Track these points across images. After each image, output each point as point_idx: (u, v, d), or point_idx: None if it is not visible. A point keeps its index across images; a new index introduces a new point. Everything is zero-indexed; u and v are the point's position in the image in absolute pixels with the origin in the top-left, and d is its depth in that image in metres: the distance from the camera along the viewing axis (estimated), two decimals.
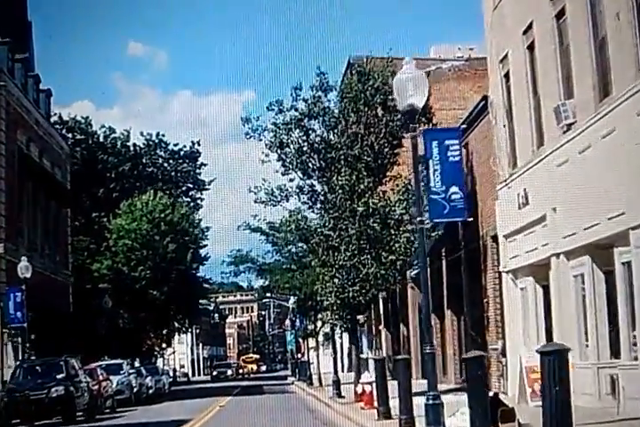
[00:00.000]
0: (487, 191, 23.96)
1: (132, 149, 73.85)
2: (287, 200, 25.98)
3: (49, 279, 44.69)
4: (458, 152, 22.65)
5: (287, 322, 77.31)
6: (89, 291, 52.45)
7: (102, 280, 54.86)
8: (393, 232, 24.50)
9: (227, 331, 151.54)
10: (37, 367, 28.13)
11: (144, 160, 74.11)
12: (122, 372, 36.67)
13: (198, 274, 65.69)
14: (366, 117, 24.85)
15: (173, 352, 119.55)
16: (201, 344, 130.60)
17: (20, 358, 34.06)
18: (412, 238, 24.55)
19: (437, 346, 33.05)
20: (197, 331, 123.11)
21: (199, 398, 39.31)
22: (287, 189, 25.73)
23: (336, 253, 24.89)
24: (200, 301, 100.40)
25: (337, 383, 30.60)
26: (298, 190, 25.77)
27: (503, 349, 23.40)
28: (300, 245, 40.70)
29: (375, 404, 20.18)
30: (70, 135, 74.29)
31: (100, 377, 31.77)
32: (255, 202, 27.29)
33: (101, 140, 74.15)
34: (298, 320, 62.27)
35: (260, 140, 26.57)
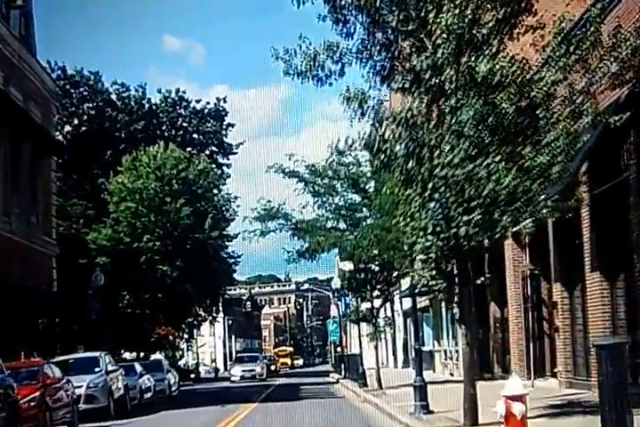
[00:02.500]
0: None
1: (146, 105, 63.39)
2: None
3: (19, 247, 33.72)
4: None
5: (332, 308, 65.55)
6: (83, 267, 41.29)
7: (101, 253, 43.81)
8: (543, 115, 12.92)
9: (262, 322, 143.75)
10: None
11: (161, 119, 63.44)
12: (97, 370, 25.46)
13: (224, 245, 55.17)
14: None
15: (202, 345, 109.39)
16: (234, 336, 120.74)
17: None
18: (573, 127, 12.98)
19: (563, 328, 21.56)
20: (230, 322, 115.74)
21: (211, 406, 28.09)
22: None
23: (434, 157, 13.28)
24: (229, 287, 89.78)
25: (420, 391, 19.05)
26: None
27: None
28: (349, 196, 29.45)
29: None
30: (75, 91, 64.62)
31: (49, 378, 20.53)
32: None
33: (113, 97, 63.99)
34: (343, 304, 50.80)
35: None
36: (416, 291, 19.88)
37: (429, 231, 13.59)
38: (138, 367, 31.09)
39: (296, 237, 30.44)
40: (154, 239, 43.00)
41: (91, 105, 63.92)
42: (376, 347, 30.80)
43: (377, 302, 31.52)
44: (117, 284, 41.98)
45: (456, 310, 18.98)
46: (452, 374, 35.44)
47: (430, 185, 13.41)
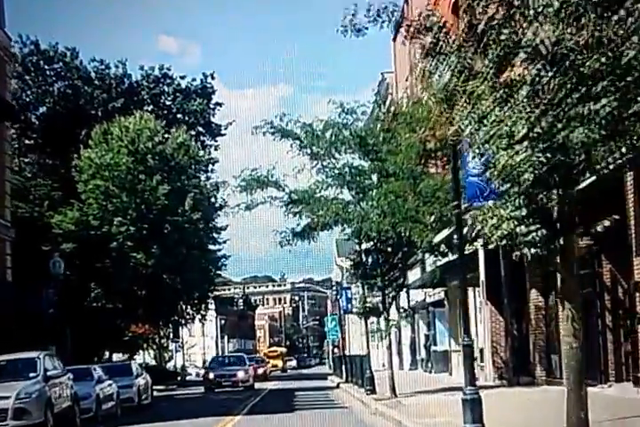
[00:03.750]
0: None
1: (126, 82, 57.61)
2: None
3: None
4: None
5: (330, 304, 59.76)
6: (45, 254, 35.43)
7: (67, 239, 37.99)
8: None
9: (257, 323, 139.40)
10: None
11: (141, 96, 57.62)
12: (32, 375, 19.62)
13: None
14: None
15: (193, 346, 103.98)
16: (226, 337, 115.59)
17: None
18: None
19: None
20: (223, 322, 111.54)
21: (184, 419, 22.35)
22: None
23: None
24: (222, 286, 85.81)
25: (473, 408, 13.28)
26: None
27: None
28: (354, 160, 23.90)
29: None
30: (49, 68, 58.97)
31: None
32: None
33: (91, 75, 58.32)
34: (344, 298, 45.09)
35: None
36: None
37: (522, 134, 7.74)
38: (96, 372, 25.27)
39: (290, 213, 24.65)
40: (126, 223, 37.18)
41: (67, 83, 58.26)
42: (389, 346, 25.01)
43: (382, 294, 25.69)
44: (84, 274, 36.18)
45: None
46: (477, 378, 29.65)
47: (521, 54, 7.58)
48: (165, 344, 72.47)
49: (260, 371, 52.16)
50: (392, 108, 24.38)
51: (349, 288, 46.92)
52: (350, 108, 24.21)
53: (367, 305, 25.29)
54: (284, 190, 24.31)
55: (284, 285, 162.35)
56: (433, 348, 41.03)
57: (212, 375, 40.37)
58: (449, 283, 35.47)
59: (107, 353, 44.25)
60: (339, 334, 59.43)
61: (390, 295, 24.17)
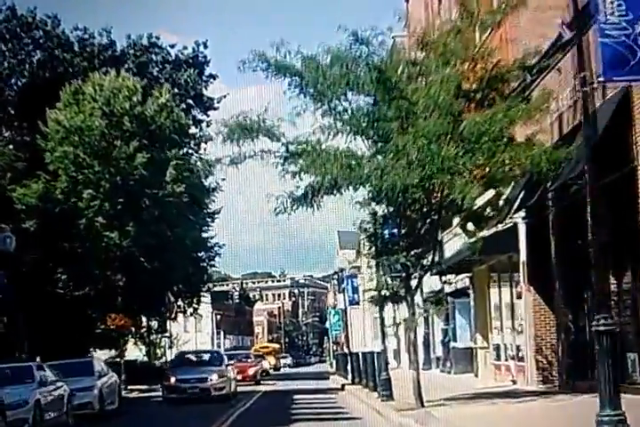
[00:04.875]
0: None
1: (109, 51, 52.21)
2: None
3: None
4: None
5: (330, 297, 54.34)
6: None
7: (30, 215, 32.60)
8: None
9: (255, 319, 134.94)
10: None
11: (127, 65, 52.21)
12: None
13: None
14: None
15: (186, 342, 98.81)
16: (223, 333, 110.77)
17: None
18: None
19: None
20: (219, 317, 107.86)
21: None
22: None
23: None
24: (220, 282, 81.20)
25: None
26: None
27: None
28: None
29: None
30: (26, 35, 53.66)
31: None
32: None
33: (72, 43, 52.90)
34: (350, 287, 39.65)
35: None
36: None
37: None
38: (39, 372, 19.80)
39: (288, 174, 19.19)
40: (98, 196, 31.75)
41: (46, 53, 52.91)
42: (414, 341, 19.47)
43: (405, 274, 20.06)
44: (49, 255, 30.78)
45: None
46: (514, 382, 24.28)
47: None
48: (158, 340, 67.48)
49: (251, 371, 43.05)
50: (418, 36, 18.90)
51: (355, 276, 41.62)
52: (365, 37, 18.76)
53: (385, 290, 19.76)
54: (278, 141, 18.88)
55: (284, 280, 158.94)
56: (452, 344, 35.60)
57: (173, 380, 28.59)
58: (475, 267, 30.07)
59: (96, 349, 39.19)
60: (342, 329, 54.03)
61: (416, 277, 18.74)
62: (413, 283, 19.23)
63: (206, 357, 32.98)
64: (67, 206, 31.68)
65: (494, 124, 16.20)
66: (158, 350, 70.43)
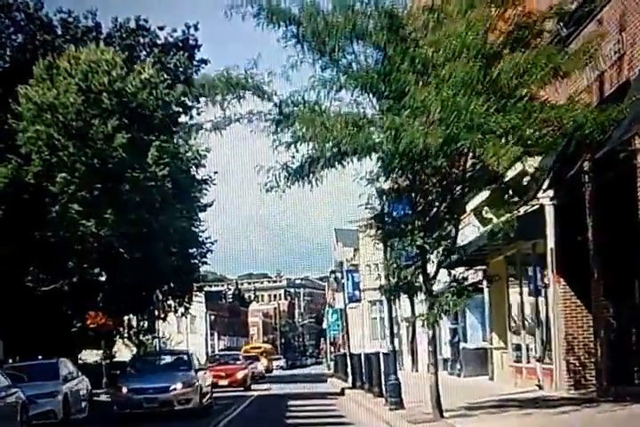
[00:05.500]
0: None
1: (94, 32, 49.15)
2: None
3: None
4: None
5: (329, 296, 51.35)
6: None
7: None
8: None
9: (250, 319, 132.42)
10: None
11: (113, 49, 49.10)
12: None
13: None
14: None
15: (179, 343, 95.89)
16: (216, 334, 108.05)
17: None
18: None
19: None
20: (212, 317, 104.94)
21: None
22: None
23: None
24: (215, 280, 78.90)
25: None
26: None
27: None
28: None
29: None
30: (6, 17, 50.56)
31: None
32: None
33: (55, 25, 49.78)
34: (350, 283, 36.63)
35: None
36: None
37: None
38: None
39: (283, 143, 16.11)
40: (74, 181, 28.66)
41: (27, 36, 49.79)
42: (432, 340, 16.40)
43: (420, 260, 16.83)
44: (18, 247, 27.71)
45: None
46: (540, 387, 21.20)
47: None
48: (149, 341, 64.48)
49: (240, 375, 37.53)
50: None
51: (356, 271, 38.58)
52: None
53: (394, 279, 16.59)
54: (270, 100, 15.83)
55: (280, 281, 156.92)
56: (463, 345, 32.57)
57: (124, 390, 22.28)
58: (491, 259, 27.03)
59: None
60: (340, 329, 50.97)
61: (434, 262, 15.69)
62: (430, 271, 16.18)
63: (170, 359, 25.86)
64: (38, 192, 28.54)
65: (535, 71, 13.15)
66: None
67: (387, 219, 16.51)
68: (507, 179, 15.33)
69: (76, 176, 28.82)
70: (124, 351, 57.84)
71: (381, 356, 21.39)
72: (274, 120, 16.00)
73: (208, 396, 24.26)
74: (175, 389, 21.99)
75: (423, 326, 15.89)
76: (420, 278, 15.83)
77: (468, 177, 15.18)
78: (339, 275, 46.55)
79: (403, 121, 13.67)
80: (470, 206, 17.87)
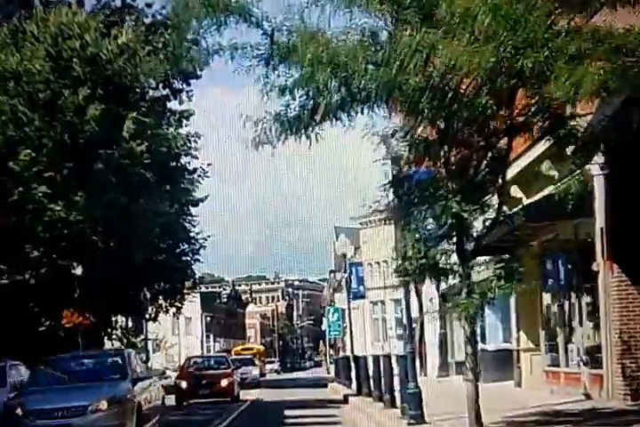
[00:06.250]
0: None
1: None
2: None
3: None
4: None
5: (326, 295, 47.82)
6: None
7: None
8: None
9: (247, 321, 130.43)
10: None
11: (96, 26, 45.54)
12: None
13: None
14: None
15: (172, 345, 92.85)
16: (212, 336, 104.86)
17: None
18: None
19: None
20: (209, 319, 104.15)
21: None
22: None
23: None
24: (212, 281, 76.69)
25: None
26: None
27: None
28: None
29: None
30: None
31: None
32: None
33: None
34: (355, 278, 32.97)
35: None
36: None
37: None
38: None
39: (275, 87, 12.53)
40: (40, 158, 25.07)
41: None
42: (471, 336, 12.65)
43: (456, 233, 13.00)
44: None
45: None
46: (587, 396, 17.54)
47: None
48: (141, 343, 61.08)
49: (224, 383, 30.74)
50: None
51: (360, 264, 34.94)
52: None
53: (416, 261, 12.90)
54: (259, 26, 12.22)
55: (278, 283, 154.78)
56: (481, 346, 28.88)
57: (20, 413, 14.90)
58: (520, 247, 23.34)
59: None
60: (341, 330, 47.40)
61: (472, 237, 12.07)
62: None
63: (93, 365, 17.35)
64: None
65: None
66: (143, 355, 64.21)
67: (407, 183, 12.90)
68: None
69: (42, 153, 25.18)
70: None
71: (395, 358, 17.69)
72: (265, 56, 12.40)
73: (155, 419, 16.89)
74: (96, 409, 14.66)
75: (460, 319, 12.14)
76: (453, 258, 12.20)
77: (520, 122, 11.55)
78: (341, 272, 42.98)
79: (438, 37, 10.05)
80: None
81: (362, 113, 12.85)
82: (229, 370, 32.78)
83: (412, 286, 41.95)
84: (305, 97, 12.60)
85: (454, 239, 12.15)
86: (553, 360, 21.09)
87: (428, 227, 12.82)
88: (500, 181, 12.29)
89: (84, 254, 27.48)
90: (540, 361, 22.22)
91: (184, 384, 31.57)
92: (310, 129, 12.75)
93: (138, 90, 27.34)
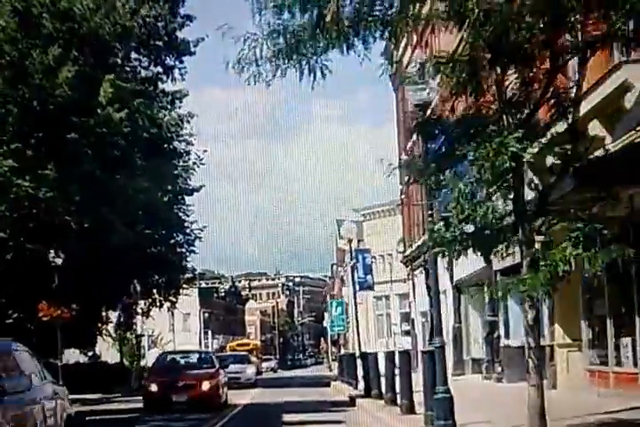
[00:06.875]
0: None
1: None
2: None
3: None
4: None
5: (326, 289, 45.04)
6: None
7: None
8: None
9: (247, 318, 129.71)
10: None
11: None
12: None
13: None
14: None
15: (168, 342, 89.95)
16: (210, 332, 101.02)
17: None
18: None
19: None
20: (207, 315, 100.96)
21: None
22: None
23: None
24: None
25: None
26: None
27: None
28: None
29: None
30: None
31: None
32: None
33: None
34: (361, 266, 29.98)
35: None
36: None
37: None
38: None
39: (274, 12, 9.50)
40: (5, 127, 21.96)
41: None
42: (533, 328, 9.44)
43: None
44: None
45: None
46: None
47: None
48: (136, 339, 58.35)
49: (205, 386, 24.17)
50: None
51: (368, 251, 31.69)
52: None
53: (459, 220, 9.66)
54: None
55: (279, 279, 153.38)
56: (504, 342, 25.81)
57: None
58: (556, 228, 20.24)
59: None
60: (345, 325, 44.38)
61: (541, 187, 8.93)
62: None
63: None
64: None
65: None
66: (138, 351, 61.52)
67: (438, 130, 9.75)
68: None
69: (7, 121, 22.08)
70: (111, 352, 52.33)
71: (420, 355, 14.53)
72: None
73: None
74: None
75: (522, 303, 9.00)
76: (510, 218, 9.06)
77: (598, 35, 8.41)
78: (344, 265, 39.97)
79: None
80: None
81: (381, 37, 9.99)
82: (213, 370, 25.69)
83: (416, 280, 38.50)
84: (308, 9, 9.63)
85: (511, 193, 9.00)
86: (599, 358, 17.96)
87: (470, 179, 9.66)
88: (570, 115, 9.14)
89: (54, 237, 24.27)
90: (581, 358, 19.09)
91: (154, 387, 24.12)
92: (313, 56, 9.76)
93: (117, 51, 24.14)
